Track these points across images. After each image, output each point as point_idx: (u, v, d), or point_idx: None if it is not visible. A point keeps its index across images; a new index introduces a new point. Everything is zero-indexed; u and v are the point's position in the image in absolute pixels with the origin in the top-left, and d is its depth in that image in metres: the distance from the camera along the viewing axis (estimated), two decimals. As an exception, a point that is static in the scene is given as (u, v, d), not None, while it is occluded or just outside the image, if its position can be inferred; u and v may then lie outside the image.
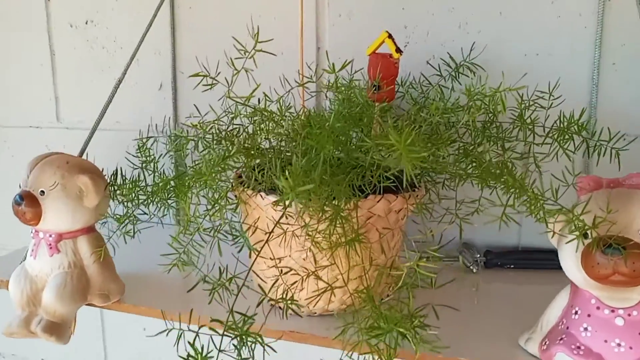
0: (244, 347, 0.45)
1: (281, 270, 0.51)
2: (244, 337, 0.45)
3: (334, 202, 0.48)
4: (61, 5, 0.92)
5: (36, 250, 0.63)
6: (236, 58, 0.54)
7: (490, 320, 0.62)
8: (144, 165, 0.68)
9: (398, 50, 0.61)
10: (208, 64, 0.63)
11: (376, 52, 0.62)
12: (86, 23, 0.91)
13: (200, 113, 0.59)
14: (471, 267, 0.74)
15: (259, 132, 0.50)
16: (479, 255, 0.75)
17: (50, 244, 0.62)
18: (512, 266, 0.74)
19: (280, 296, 0.51)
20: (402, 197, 0.56)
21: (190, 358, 0.42)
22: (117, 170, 0.65)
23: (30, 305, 0.63)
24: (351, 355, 0.47)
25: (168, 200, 0.64)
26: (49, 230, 0.62)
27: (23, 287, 0.63)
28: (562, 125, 0.60)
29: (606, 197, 0.45)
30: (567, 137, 0.61)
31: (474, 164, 0.56)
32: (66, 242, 0.62)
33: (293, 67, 0.67)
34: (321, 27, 0.80)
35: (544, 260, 0.72)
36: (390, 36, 0.60)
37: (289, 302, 0.50)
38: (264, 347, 0.47)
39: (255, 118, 0.51)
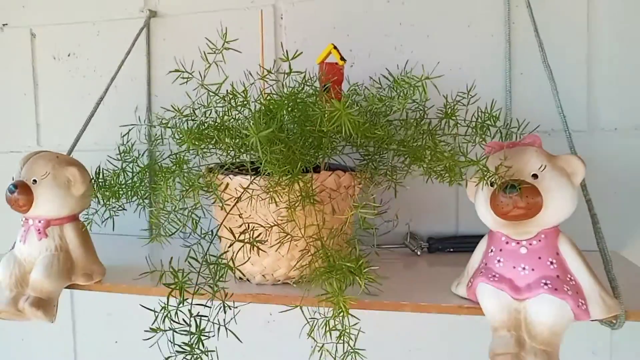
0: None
1: (248, 226, 0.59)
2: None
3: (293, 172, 0.58)
4: (46, 40, 1.03)
5: (25, 236, 0.70)
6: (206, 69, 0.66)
7: (430, 282, 0.71)
8: (124, 166, 0.77)
9: (342, 58, 0.74)
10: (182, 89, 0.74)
11: (325, 61, 0.74)
12: (68, 55, 1.02)
13: (175, 108, 0.69)
14: (416, 251, 0.85)
15: (229, 112, 0.60)
16: (422, 242, 0.86)
17: (39, 229, 0.69)
18: (451, 250, 0.85)
19: (241, 263, 0.60)
20: (349, 174, 0.67)
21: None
22: (99, 167, 0.74)
23: (18, 287, 0.69)
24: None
25: (144, 196, 0.73)
26: (38, 216, 0.69)
27: (12, 270, 0.69)
28: (480, 119, 0.74)
29: (504, 153, 0.57)
30: (484, 128, 0.74)
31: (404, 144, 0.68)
32: (54, 228, 0.70)
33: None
34: (279, 51, 0.93)
35: (477, 243, 0.83)
36: (335, 47, 0.74)
37: (234, 266, 0.58)
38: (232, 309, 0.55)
39: (225, 102, 0.62)
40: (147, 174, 0.70)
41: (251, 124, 0.50)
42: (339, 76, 0.74)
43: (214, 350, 0.53)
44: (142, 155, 0.77)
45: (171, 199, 0.66)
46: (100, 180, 0.73)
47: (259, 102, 0.61)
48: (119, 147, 0.78)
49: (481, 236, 0.63)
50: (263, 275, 0.69)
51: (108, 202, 0.71)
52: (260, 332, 0.97)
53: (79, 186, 0.70)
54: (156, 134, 0.74)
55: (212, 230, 0.61)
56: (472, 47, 0.87)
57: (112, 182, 0.73)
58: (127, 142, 0.74)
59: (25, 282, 0.69)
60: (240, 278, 0.71)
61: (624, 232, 0.84)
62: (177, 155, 0.68)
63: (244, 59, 0.65)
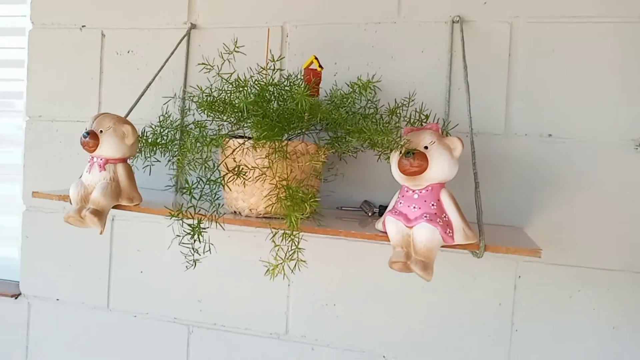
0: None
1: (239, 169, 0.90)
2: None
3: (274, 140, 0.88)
4: (112, 39, 1.37)
5: (90, 168, 1.02)
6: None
7: (367, 228, 0.99)
8: (160, 131, 1.09)
9: (320, 65, 1.04)
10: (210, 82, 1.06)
11: (309, 67, 1.05)
12: (128, 52, 1.36)
13: (198, 87, 1.00)
14: (368, 213, 1.13)
15: (234, 92, 0.91)
16: (375, 207, 1.14)
17: (100, 165, 1.01)
18: (395, 215, 1.13)
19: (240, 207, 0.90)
20: (315, 145, 0.97)
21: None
22: (144, 129, 1.06)
23: (82, 202, 1.00)
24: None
25: (173, 152, 1.04)
26: (100, 155, 1.01)
27: (79, 190, 1.01)
28: (415, 117, 1.02)
29: (410, 132, 0.86)
30: (417, 123, 1.02)
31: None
32: (110, 165, 1.02)
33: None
34: (284, 60, 1.24)
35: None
36: (316, 58, 1.04)
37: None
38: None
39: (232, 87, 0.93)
40: (178, 133, 1.02)
41: (242, 96, 0.81)
42: (317, 78, 1.05)
43: (205, 230, 0.83)
44: (176, 123, 1.09)
45: (192, 151, 0.97)
46: (144, 138, 1.05)
47: (254, 85, 0.91)
48: (159, 117, 1.10)
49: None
50: (250, 210, 0.98)
51: (148, 155, 1.03)
52: (250, 252, 1.26)
53: (130, 138, 1.01)
54: (187, 108, 1.06)
55: (218, 170, 0.92)
56: (423, 67, 1.16)
57: (153, 140, 1.05)
58: (166, 112, 1.06)
59: (86, 200, 1.01)
60: (234, 212, 1.01)
61: (526, 212, 1.10)
62: (199, 122, 0.99)
63: (257, 62, 0.96)
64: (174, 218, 0.85)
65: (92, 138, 1.00)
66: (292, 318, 1.25)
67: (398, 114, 1.03)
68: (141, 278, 1.36)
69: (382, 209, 1.14)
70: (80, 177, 1.04)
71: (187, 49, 1.30)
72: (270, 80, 0.91)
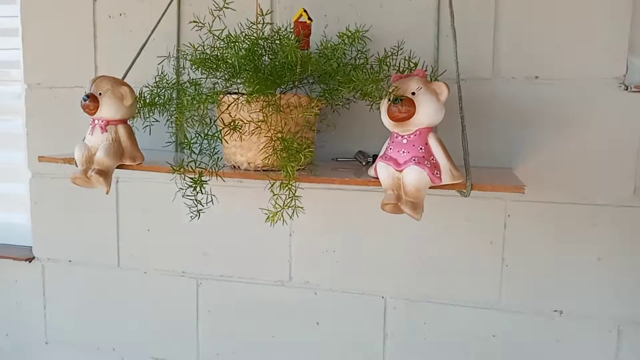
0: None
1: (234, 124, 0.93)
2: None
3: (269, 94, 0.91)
4: (103, 3, 1.38)
5: (92, 131, 1.06)
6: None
7: (360, 176, 1.04)
8: (157, 91, 1.11)
9: (310, 18, 1.06)
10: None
11: (298, 20, 1.07)
12: (120, 15, 1.37)
13: (191, 44, 1.03)
14: (362, 162, 1.17)
15: (226, 49, 0.94)
16: (368, 157, 1.18)
17: (101, 126, 1.05)
18: (388, 163, 1.17)
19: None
20: (307, 97, 1.00)
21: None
22: (141, 90, 1.09)
23: (87, 164, 1.05)
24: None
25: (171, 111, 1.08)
26: (101, 117, 1.05)
27: (83, 152, 1.05)
28: (404, 65, 1.05)
29: (398, 80, 0.90)
30: (406, 71, 1.05)
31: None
32: (111, 126, 1.05)
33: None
34: (274, 13, 1.25)
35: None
36: (305, 10, 1.06)
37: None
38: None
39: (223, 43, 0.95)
40: (174, 92, 1.05)
41: (234, 52, 0.84)
42: (308, 31, 1.07)
43: (207, 182, 0.88)
44: (172, 83, 1.12)
45: (188, 108, 1.00)
46: (142, 98, 1.08)
47: (244, 41, 0.94)
48: (155, 78, 1.13)
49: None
50: (248, 163, 1.03)
51: (147, 115, 1.06)
52: (251, 205, 1.32)
53: (128, 99, 1.05)
54: (181, 67, 1.08)
55: (215, 125, 0.95)
56: (412, 15, 1.17)
57: (150, 100, 1.08)
58: (161, 72, 1.09)
59: (91, 161, 1.05)
60: (233, 166, 1.05)
61: (515, 153, 1.14)
62: (194, 80, 1.02)
63: (247, 17, 0.98)
64: (176, 173, 0.89)
65: (92, 101, 1.03)
66: (295, 266, 1.32)
67: (387, 63, 1.05)
68: (148, 236, 1.42)
69: (376, 158, 1.18)
70: (84, 139, 1.08)
71: (179, 10, 1.32)
72: (260, 35, 0.93)
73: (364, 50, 1.07)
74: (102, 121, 1.05)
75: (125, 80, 1.13)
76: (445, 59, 1.16)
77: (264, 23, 0.97)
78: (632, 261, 1.12)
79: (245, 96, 0.94)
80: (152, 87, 1.11)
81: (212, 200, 0.96)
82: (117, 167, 1.06)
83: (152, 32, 1.23)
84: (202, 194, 0.91)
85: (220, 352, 1.40)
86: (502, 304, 1.19)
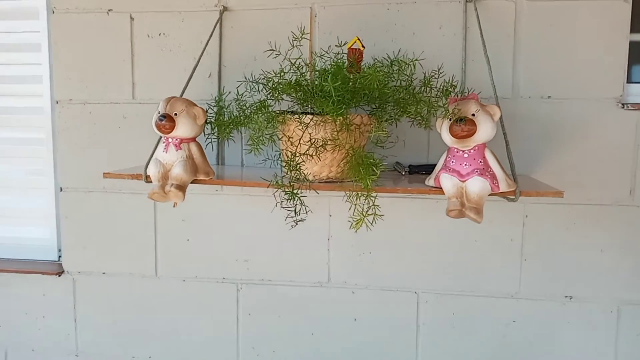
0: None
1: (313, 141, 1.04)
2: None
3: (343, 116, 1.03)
4: (141, 23, 1.43)
5: (167, 148, 1.13)
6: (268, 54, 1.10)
7: (412, 185, 1.18)
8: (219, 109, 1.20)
9: (363, 46, 1.19)
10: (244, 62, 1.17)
11: (351, 47, 1.19)
12: (159, 35, 1.43)
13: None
14: (402, 173, 1.31)
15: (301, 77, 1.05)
16: (405, 167, 1.33)
17: (176, 144, 1.12)
18: (423, 172, 1.31)
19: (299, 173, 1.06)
20: (368, 116, 1.13)
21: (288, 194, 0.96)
22: (207, 109, 1.17)
23: (162, 179, 1.12)
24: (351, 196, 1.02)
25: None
26: (176, 136, 1.12)
27: (159, 169, 1.12)
28: (445, 87, 1.20)
29: (457, 103, 1.04)
30: (447, 92, 1.20)
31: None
32: (185, 144, 1.13)
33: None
34: (314, 39, 1.37)
35: (441, 168, 1.31)
36: (359, 38, 1.18)
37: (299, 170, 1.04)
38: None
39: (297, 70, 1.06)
40: (246, 113, 1.14)
41: (328, 79, 0.95)
42: (359, 57, 1.19)
43: (305, 196, 0.99)
44: (230, 105, 1.21)
45: (259, 127, 1.10)
46: (210, 118, 1.16)
47: (330, 68, 1.05)
48: (215, 98, 1.21)
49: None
50: (314, 176, 1.14)
51: (224, 134, 1.16)
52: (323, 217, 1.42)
53: (201, 119, 1.13)
54: (244, 91, 1.18)
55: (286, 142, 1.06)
56: (442, 41, 1.33)
57: (219, 120, 1.17)
58: (240, 94, 1.18)
59: (166, 177, 1.12)
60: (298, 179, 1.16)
61: (532, 161, 1.33)
62: (263, 102, 1.12)
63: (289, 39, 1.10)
64: (273, 188, 0.99)
65: (168, 121, 1.10)
66: (333, 268, 1.43)
67: (430, 86, 1.20)
68: (188, 245, 1.48)
69: (413, 169, 1.32)
70: (151, 157, 1.15)
71: (220, 31, 1.40)
72: (342, 64, 1.05)
73: (410, 74, 1.20)
74: (177, 139, 1.12)
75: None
76: (472, 80, 1.32)
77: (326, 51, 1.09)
78: (630, 252, 1.33)
79: (324, 116, 1.05)
80: (226, 106, 1.20)
81: (306, 211, 1.06)
82: (191, 182, 1.14)
83: (202, 54, 1.32)
84: (300, 205, 1.01)
85: (260, 352, 1.50)
86: (521, 293, 1.37)
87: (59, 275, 1.56)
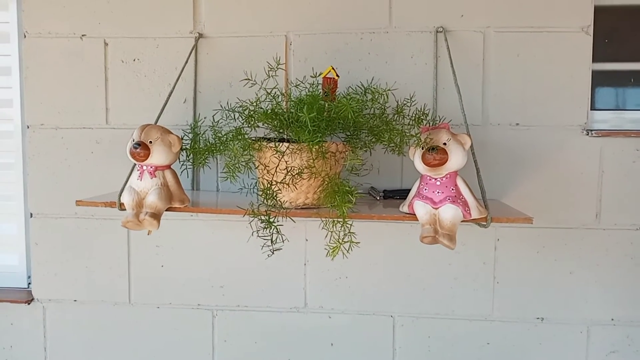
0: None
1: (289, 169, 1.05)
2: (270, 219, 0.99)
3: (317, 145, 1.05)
4: (116, 48, 1.43)
5: (141, 175, 1.12)
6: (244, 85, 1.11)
7: (386, 211, 1.19)
8: (195, 136, 1.21)
9: (337, 75, 1.21)
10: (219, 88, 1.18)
11: (326, 76, 1.21)
12: (134, 60, 1.43)
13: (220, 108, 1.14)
14: (377, 198, 1.33)
15: (276, 106, 1.06)
16: (380, 192, 1.35)
17: (151, 172, 1.12)
18: (397, 197, 1.34)
19: (275, 200, 1.06)
20: (342, 144, 1.15)
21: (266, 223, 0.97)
22: (182, 136, 1.17)
23: (137, 207, 1.11)
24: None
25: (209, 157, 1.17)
26: (151, 163, 1.12)
27: (133, 197, 1.11)
28: (416, 115, 1.23)
29: (429, 132, 1.07)
30: (420, 120, 1.23)
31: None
32: (159, 172, 1.13)
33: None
34: (289, 66, 1.39)
35: (415, 193, 1.33)
36: (333, 68, 1.21)
37: (275, 199, 1.04)
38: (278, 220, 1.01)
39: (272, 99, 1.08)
40: (222, 140, 1.15)
41: (304, 110, 0.97)
42: (334, 86, 1.22)
43: (282, 225, 0.99)
44: (206, 132, 1.21)
45: (235, 155, 1.10)
46: (185, 146, 1.16)
47: (306, 98, 1.07)
48: (191, 125, 1.22)
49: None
50: (290, 203, 1.14)
51: (199, 161, 1.16)
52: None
53: (177, 146, 1.13)
54: (220, 118, 1.18)
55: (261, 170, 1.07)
56: (413, 70, 1.36)
57: (194, 148, 1.17)
58: (215, 121, 1.18)
59: (140, 205, 1.11)
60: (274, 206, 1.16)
61: (502, 186, 1.36)
62: (239, 129, 1.13)
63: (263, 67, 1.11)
64: (249, 216, 1.00)
65: (143, 149, 1.10)
66: (310, 292, 1.44)
67: (402, 114, 1.22)
68: (162, 271, 1.47)
69: (388, 194, 1.34)
70: (125, 184, 1.14)
71: (196, 58, 1.41)
72: (317, 94, 1.07)
73: (383, 102, 1.23)
74: (151, 167, 1.12)
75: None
76: (443, 108, 1.36)
77: (290, 87, 1.11)
78: (598, 273, 1.37)
79: (300, 144, 1.07)
80: (213, 134, 1.19)
81: (282, 240, 1.06)
82: (166, 210, 1.13)
83: (177, 80, 1.32)
84: (277, 233, 1.01)
85: (236, 379, 1.48)
86: (494, 315, 1.40)
87: (29, 304, 1.52)
